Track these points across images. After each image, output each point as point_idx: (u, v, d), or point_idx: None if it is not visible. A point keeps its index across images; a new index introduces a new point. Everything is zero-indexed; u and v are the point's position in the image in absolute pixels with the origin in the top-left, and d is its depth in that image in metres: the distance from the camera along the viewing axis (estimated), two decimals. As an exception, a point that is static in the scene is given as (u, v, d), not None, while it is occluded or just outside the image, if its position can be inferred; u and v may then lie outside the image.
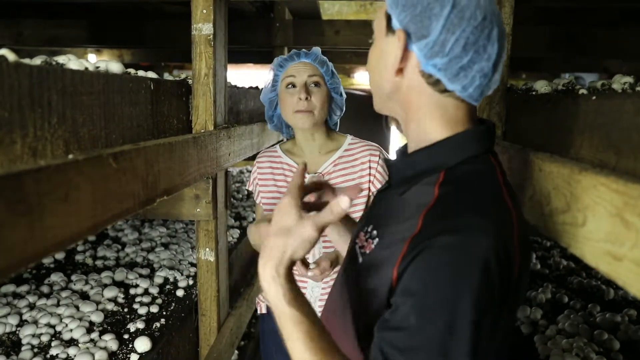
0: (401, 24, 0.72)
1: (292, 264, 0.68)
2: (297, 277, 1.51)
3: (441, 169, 0.73)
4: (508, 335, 0.73)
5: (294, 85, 1.48)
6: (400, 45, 0.71)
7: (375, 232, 0.78)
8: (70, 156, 0.73)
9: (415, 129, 0.78)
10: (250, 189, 1.66)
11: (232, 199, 3.56)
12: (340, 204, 0.65)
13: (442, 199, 0.70)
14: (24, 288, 1.90)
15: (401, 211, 0.74)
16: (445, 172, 0.73)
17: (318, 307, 1.48)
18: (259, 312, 1.70)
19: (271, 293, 0.67)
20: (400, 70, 0.74)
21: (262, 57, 4.27)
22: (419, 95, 0.75)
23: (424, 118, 0.76)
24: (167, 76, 1.89)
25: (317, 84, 1.49)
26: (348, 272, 0.84)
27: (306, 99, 1.45)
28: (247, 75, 6.26)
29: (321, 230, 0.67)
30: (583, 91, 1.18)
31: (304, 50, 1.52)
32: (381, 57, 0.77)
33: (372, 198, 1.27)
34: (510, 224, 0.69)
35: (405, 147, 0.84)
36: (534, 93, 1.45)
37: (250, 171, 1.58)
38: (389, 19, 0.75)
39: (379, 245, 0.75)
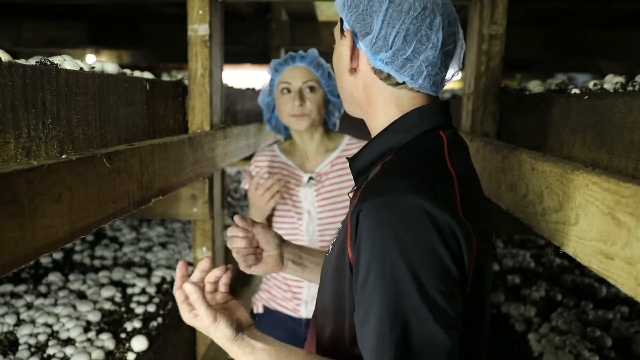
0: (348, 24, 0.76)
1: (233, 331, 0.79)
2: (294, 277, 1.53)
3: (393, 150, 0.75)
4: (481, 323, 0.73)
5: (288, 91, 1.49)
6: (348, 44, 0.75)
7: (341, 225, 0.80)
8: (64, 156, 0.74)
9: (374, 125, 0.80)
10: (246, 187, 1.66)
11: (228, 199, 3.56)
12: (199, 266, 0.85)
13: (380, 171, 0.72)
14: (21, 288, 1.90)
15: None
16: (395, 152, 0.75)
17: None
18: (255, 311, 1.70)
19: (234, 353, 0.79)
20: (353, 70, 0.77)
21: (259, 57, 4.28)
22: (374, 92, 0.78)
23: (381, 112, 0.78)
24: (165, 77, 1.89)
25: (312, 89, 1.48)
26: (324, 268, 0.86)
27: (300, 105, 1.45)
28: (244, 76, 6.26)
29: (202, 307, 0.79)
30: (575, 91, 1.19)
31: (299, 53, 1.51)
32: (339, 60, 0.80)
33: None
34: (448, 192, 0.68)
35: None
36: (527, 93, 1.46)
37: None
38: (342, 22, 0.79)
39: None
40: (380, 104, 0.78)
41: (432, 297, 0.62)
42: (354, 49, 0.76)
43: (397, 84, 0.75)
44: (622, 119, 0.92)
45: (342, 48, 0.78)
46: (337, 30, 0.81)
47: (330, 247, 0.82)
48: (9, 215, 0.59)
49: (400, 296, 0.62)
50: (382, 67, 0.74)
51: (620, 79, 1.12)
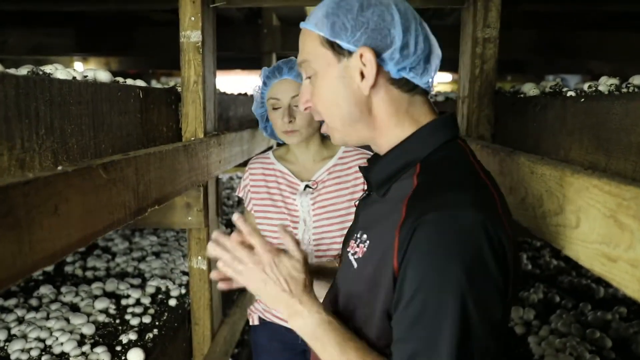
0: (357, 44, 0.74)
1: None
2: None
3: (416, 162, 0.76)
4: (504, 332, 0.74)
5: (278, 107, 1.47)
6: (373, 60, 0.73)
7: (365, 236, 0.79)
8: (60, 168, 0.72)
9: (388, 138, 0.79)
10: (240, 195, 1.64)
11: (222, 206, 3.54)
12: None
13: (421, 186, 0.72)
14: (12, 301, 1.86)
15: (386, 209, 0.76)
16: (421, 164, 0.76)
17: None
18: (250, 323, 1.67)
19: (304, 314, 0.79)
20: (372, 87, 0.76)
21: (250, 63, 4.27)
22: (391, 104, 0.77)
23: (396, 125, 0.78)
24: (154, 84, 1.88)
25: None
26: (343, 282, 0.84)
27: (290, 122, 1.43)
28: (236, 82, 6.25)
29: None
30: (571, 93, 1.20)
31: (287, 63, 1.47)
32: (340, 86, 0.77)
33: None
34: (494, 203, 0.71)
35: (377, 154, 0.86)
36: (521, 96, 1.47)
37: (240, 177, 1.59)
38: (333, 46, 0.75)
39: (370, 246, 0.77)
40: (395, 115, 0.78)
41: (487, 316, 0.65)
42: (377, 65, 0.74)
43: (412, 89, 0.77)
44: (619, 121, 0.93)
45: (348, 70, 0.75)
46: (322, 58, 0.77)
47: (352, 257, 0.80)
48: (6, 228, 0.57)
49: (464, 309, 0.64)
50: (405, 74, 0.75)
51: (615, 81, 1.13)
